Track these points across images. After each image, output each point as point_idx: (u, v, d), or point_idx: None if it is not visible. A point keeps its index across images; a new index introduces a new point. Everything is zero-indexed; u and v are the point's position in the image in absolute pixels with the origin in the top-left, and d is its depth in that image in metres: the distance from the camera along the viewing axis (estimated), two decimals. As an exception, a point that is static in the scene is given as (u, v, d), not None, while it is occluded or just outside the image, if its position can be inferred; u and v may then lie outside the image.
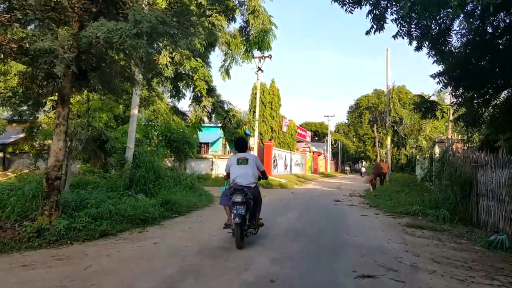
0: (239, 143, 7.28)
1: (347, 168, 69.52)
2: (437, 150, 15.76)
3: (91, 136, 17.79)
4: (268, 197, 16.22)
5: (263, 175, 7.25)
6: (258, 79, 28.33)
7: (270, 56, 27.73)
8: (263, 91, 36.17)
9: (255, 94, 32.24)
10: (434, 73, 8.60)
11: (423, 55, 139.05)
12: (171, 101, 24.29)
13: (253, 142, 27.84)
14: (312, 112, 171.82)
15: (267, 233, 7.82)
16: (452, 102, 8.92)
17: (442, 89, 8.40)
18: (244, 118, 22.00)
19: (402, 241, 7.41)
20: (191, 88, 21.47)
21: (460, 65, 7.85)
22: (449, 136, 15.69)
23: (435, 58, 8.08)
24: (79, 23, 7.83)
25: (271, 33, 18.86)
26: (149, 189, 11.70)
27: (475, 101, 8.76)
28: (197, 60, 18.77)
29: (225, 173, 7.26)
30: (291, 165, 40.13)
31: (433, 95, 11.70)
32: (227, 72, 22.79)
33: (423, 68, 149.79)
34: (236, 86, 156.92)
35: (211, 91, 21.57)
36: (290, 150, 40.54)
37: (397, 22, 7.60)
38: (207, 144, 33.03)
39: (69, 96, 8.32)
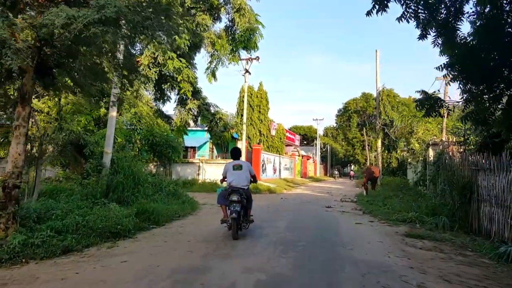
0: (234, 153, 8.67)
1: (336, 172, 65.06)
2: (431, 153, 15.14)
3: (68, 140, 16.86)
4: (256, 203, 15.35)
5: (253, 179, 8.51)
6: (245, 82, 27.57)
7: (257, 58, 27.01)
8: (251, 94, 35.39)
9: (243, 97, 31.45)
10: (441, 65, 7.85)
11: (410, 62, 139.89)
12: (156, 104, 23.41)
13: (241, 145, 27.03)
14: (300, 116, 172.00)
15: (253, 245, 7.00)
16: (461, 98, 8.18)
17: (449, 83, 7.61)
18: (231, 121, 21.19)
19: (403, 254, 6.65)
20: (176, 90, 20.61)
21: (470, 55, 7.09)
22: (444, 139, 15.09)
23: (442, 48, 7.34)
24: (42, 13, 6.96)
25: (257, 32, 18.16)
26: (127, 197, 10.79)
27: (486, 96, 7.99)
28: (180, 61, 17.94)
29: (221, 177, 8.67)
30: (280, 169, 39.39)
31: (438, 91, 10.97)
32: (213, 74, 22.02)
33: (410, 75, 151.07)
34: (223, 89, 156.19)
35: (196, 93, 20.75)
36: (279, 154, 39.81)
37: (403, 1, 6.82)
38: (194, 148, 32.09)
39: (31, 95, 7.41)
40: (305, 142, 77.63)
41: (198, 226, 9.33)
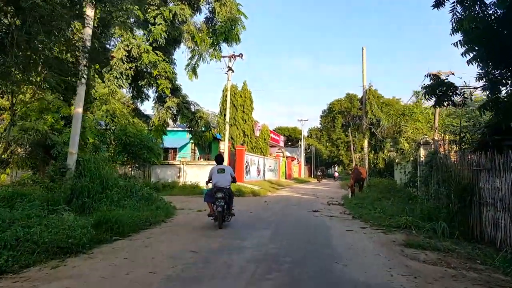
0: (218, 159, 10.48)
1: (319, 173, 59.36)
2: (422, 152, 14.29)
3: (34, 140, 15.46)
4: (238, 208, 14.29)
5: (233, 180, 10.14)
6: (228, 80, 26.44)
7: (241, 55, 25.95)
8: (234, 93, 34.26)
9: (226, 96, 30.40)
10: (458, 41, 6.76)
11: (394, 63, 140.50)
12: (133, 103, 22.12)
13: (224, 146, 25.90)
14: (285, 118, 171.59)
15: (230, 264, 5.89)
16: (485, 84, 7.12)
17: (471, 62, 6.53)
18: (213, 120, 20.02)
19: (407, 271, 5.63)
20: (154, 87, 19.35)
21: (498, 28, 6.01)
22: (436, 137, 14.26)
23: (460, 16, 6.24)
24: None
25: (239, 24, 17.08)
26: (90, 203, 9.56)
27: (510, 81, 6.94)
28: (157, 54, 16.72)
29: (204, 179, 11.16)
30: (264, 171, 38.36)
31: (448, 76, 9.70)
32: (194, 70, 20.87)
33: (394, 75, 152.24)
34: (206, 88, 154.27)
35: (175, 90, 19.54)
36: (263, 155, 38.78)
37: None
38: (174, 149, 30.76)
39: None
40: (289, 143, 76.92)
41: (169, 236, 8.17)
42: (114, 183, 11.77)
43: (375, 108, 24.95)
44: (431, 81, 7.83)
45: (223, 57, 25.65)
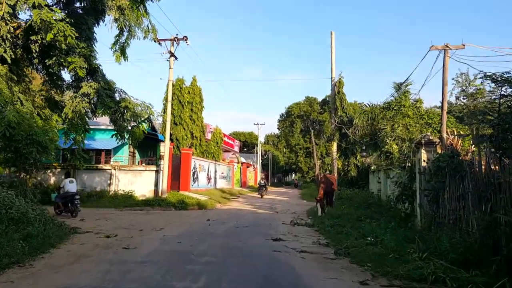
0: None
1: (262, 182, 33.13)
2: (424, 155, 10.35)
3: None
4: (166, 231, 9.62)
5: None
6: (170, 68, 21.68)
7: (185, 38, 21.31)
8: (180, 88, 29.33)
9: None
10: None
11: (353, 69, 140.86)
12: (48, 91, 16.82)
13: (163, 149, 21.00)
14: (241, 124, 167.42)
15: None
16: None
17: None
18: (143, 111, 15.10)
19: None
20: (67, 69, 14.19)
21: None
22: (445, 134, 10.42)
23: None
24: None
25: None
26: None
27: None
28: (52, 10, 11.74)
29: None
30: (215, 178, 33.73)
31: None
32: (122, 50, 16.05)
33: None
34: (151, 86, 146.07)
35: (94, 72, 14.56)
36: (215, 161, 34.12)
37: None
38: (108, 151, 25.23)
39: None
40: (245, 149, 72.65)
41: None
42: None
43: (346, 104, 21.01)
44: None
45: (164, 40, 20.96)
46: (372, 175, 18.80)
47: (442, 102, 11.50)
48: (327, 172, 22.77)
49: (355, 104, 33.48)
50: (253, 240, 9.28)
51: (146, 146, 28.81)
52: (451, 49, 11.80)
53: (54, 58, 13.55)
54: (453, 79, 18.68)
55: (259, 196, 31.25)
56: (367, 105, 20.26)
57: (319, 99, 65.64)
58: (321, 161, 42.22)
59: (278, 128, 72.78)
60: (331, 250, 8.18)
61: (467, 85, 20.79)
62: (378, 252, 7.49)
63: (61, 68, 14.23)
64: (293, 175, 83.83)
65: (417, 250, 7.17)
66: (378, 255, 7.34)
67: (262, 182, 32.84)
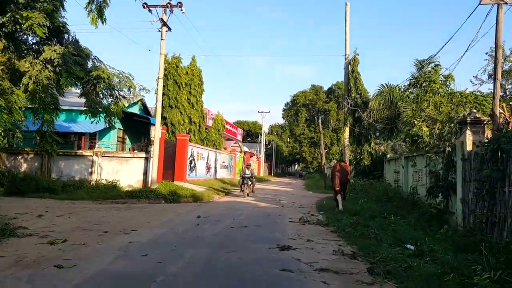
0: None
1: (247, 174, 19.86)
2: (469, 138, 7.90)
3: None
4: (134, 235, 7.17)
5: None
6: (162, 39, 18.99)
7: (179, 5, 18.65)
8: (177, 66, 26.75)
9: (165, 69, 23.07)
10: None
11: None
12: (10, 58, 14.35)
13: (153, 133, 18.55)
14: (245, 114, 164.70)
15: None
16: None
17: None
18: (121, 83, 12.59)
19: None
20: (23, 26, 11.69)
21: None
22: (498, 110, 7.96)
23: None
24: None
25: None
26: None
27: None
28: None
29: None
30: (216, 167, 31.32)
31: None
32: (99, 11, 13.39)
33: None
34: (144, 66, 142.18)
35: (57, 32, 12.05)
36: (216, 149, 31.71)
37: None
38: (92, 135, 22.82)
39: None
40: (249, 139, 70.28)
41: None
42: None
43: (361, 84, 18.36)
44: None
45: (154, 6, 18.39)
46: (387, 164, 16.30)
47: (495, 70, 9.01)
48: (340, 160, 20.17)
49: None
50: (253, 250, 6.77)
51: (138, 131, 26.36)
52: (506, 3, 9.31)
53: (8, 14, 11.09)
54: (486, 53, 16.07)
55: (241, 194, 20.00)
56: (385, 85, 17.74)
57: (325, 88, 63.12)
58: (326, 151, 39.80)
59: (282, 117, 70.34)
60: (362, 265, 5.67)
61: (503, 60, 18.45)
62: (433, 272, 5.07)
63: (17, 26, 11.65)
64: (297, 165, 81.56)
65: (487, 267, 4.82)
66: (433, 276, 4.93)
67: (247, 172, 19.85)
